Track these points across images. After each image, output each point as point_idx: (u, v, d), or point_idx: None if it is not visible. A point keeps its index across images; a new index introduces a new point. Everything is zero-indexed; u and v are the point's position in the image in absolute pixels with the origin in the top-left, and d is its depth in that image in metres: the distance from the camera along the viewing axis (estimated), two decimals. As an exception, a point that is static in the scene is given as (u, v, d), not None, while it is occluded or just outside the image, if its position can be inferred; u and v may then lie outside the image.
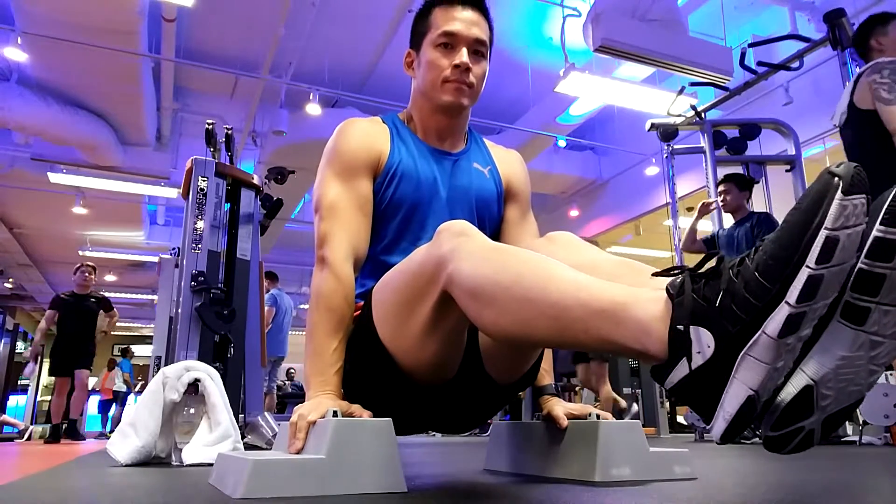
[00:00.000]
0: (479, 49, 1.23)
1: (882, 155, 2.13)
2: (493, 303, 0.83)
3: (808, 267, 0.59)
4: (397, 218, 1.23)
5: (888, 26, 2.35)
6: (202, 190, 2.94)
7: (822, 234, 0.59)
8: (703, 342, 0.64)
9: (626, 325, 0.71)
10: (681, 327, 0.66)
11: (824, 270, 0.59)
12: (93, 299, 5.75)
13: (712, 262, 0.69)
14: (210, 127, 3.40)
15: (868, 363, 0.65)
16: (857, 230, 0.59)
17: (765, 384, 0.62)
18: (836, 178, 0.59)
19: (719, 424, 0.64)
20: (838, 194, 0.59)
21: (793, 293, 0.60)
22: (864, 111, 2.20)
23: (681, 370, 0.66)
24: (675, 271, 0.73)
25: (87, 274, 5.73)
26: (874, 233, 0.61)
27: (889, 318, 0.63)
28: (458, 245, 0.89)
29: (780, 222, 0.64)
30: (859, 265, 0.62)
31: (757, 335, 0.61)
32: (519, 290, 0.80)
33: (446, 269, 0.89)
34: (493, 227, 1.34)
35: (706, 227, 4.95)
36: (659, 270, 0.75)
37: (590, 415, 1.16)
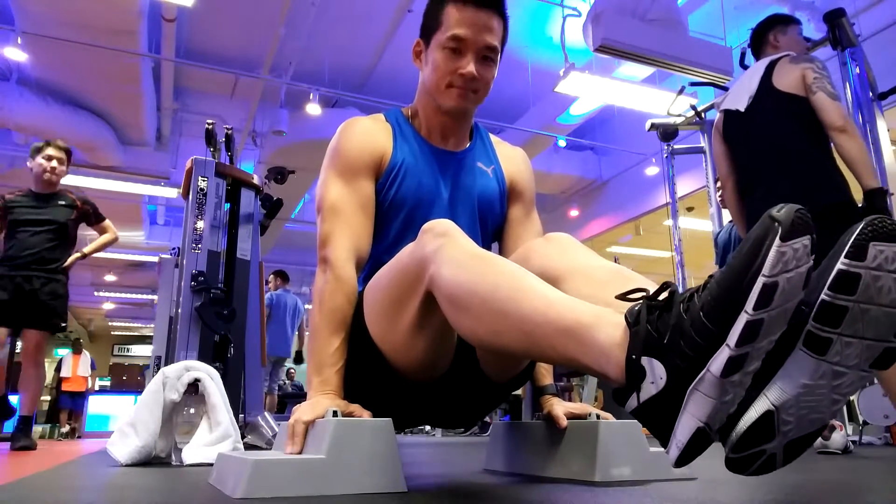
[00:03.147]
0: (488, 55, 1.19)
1: (801, 138, 2.13)
2: (469, 311, 0.84)
3: (746, 312, 0.60)
4: (399, 218, 1.23)
5: (788, 27, 2.42)
6: (202, 190, 2.94)
7: (760, 281, 0.59)
8: (656, 373, 0.65)
9: (589, 347, 0.72)
10: (635, 357, 0.67)
11: (764, 315, 0.59)
12: (62, 202, 3.47)
13: (667, 293, 0.69)
14: (210, 127, 3.40)
15: (831, 392, 0.65)
16: (799, 272, 0.60)
17: (714, 416, 0.62)
18: (776, 224, 0.59)
19: (673, 451, 0.65)
20: (776, 241, 0.59)
21: (733, 336, 0.60)
22: (788, 94, 2.17)
23: (636, 397, 0.67)
24: (637, 294, 0.73)
25: (50, 161, 3.42)
26: (838, 265, 0.61)
27: (851, 350, 0.63)
28: (439, 247, 0.90)
29: None
30: (822, 296, 0.62)
31: (703, 373, 0.62)
32: (494, 302, 0.81)
33: (428, 270, 0.90)
34: (496, 227, 1.34)
35: (706, 227, 4.95)
36: (621, 293, 0.75)
37: (590, 415, 1.16)
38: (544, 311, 0.76)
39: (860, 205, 2.05)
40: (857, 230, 0.61)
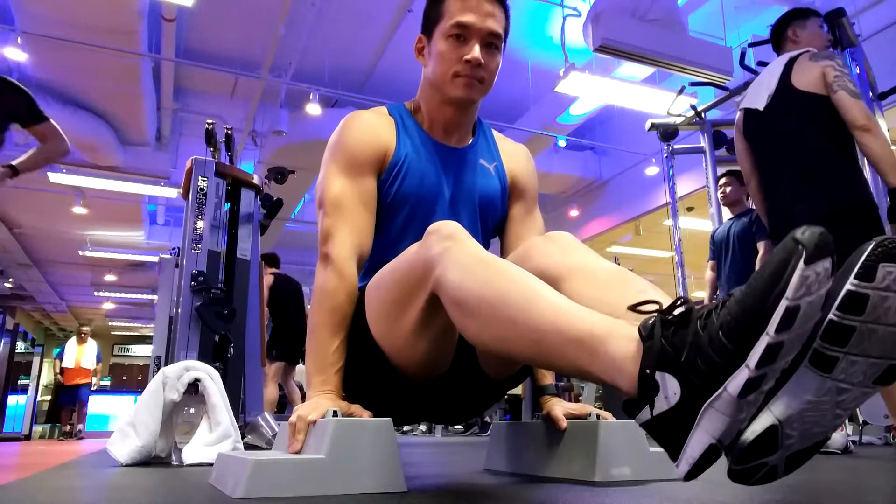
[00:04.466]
0: (492, 42, 1.19)
1: (820, 138, 2.10)
2: (477, 317, 0.84)
3: (767, 335, 0.59)
4: (401, 214, 1.22)
5: (807, 21, 2.38)
6: (202, 190, 2.94)
7: (783, 304, 0.59)
8: (670, 389, 0.65)
9: (600, 359, 0.71)
10: (649, 371, 0.67)
11: (784, 337, 0.59)
12: None
13: (683, 308, 0.68)
14: (210, 127, 3.39)
15: (834, 408, 0.66)
16: (819, 294, 0.60)
17: (727, 433, 0.63)
18: (800, 246, 0.59)
19: (683, 466, 0.65)
20: (800, 264, 0.58)
21: (753, 358, 0.60)
22: (807, 93, 2.13)
23: (649, 410, 0.67)
24: (650, 306, 0.72)
25: None
26: (847, 286, 0.62)
27: (856, 368, 0.64)
28: (445, 250, 0.89)
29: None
30: (830, 316, 0.63)
31: (719, 391, 0.62)
32: (502, 308, 0.81)
33: (434, 272, 0.90)
34: (497, 225, 1.34)
35: (706, 227, 4.95)
36: (633, 304, 0.74)
37: (590, 415, 1.16)
38: (554, 320, 0.76)
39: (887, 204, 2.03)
40: (867, 251, 0.62)
